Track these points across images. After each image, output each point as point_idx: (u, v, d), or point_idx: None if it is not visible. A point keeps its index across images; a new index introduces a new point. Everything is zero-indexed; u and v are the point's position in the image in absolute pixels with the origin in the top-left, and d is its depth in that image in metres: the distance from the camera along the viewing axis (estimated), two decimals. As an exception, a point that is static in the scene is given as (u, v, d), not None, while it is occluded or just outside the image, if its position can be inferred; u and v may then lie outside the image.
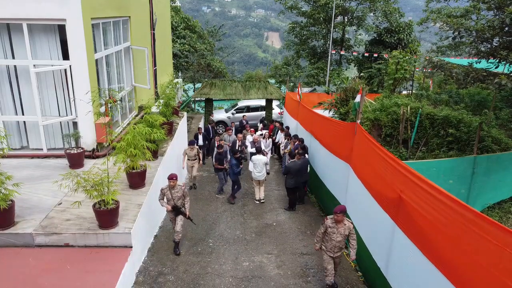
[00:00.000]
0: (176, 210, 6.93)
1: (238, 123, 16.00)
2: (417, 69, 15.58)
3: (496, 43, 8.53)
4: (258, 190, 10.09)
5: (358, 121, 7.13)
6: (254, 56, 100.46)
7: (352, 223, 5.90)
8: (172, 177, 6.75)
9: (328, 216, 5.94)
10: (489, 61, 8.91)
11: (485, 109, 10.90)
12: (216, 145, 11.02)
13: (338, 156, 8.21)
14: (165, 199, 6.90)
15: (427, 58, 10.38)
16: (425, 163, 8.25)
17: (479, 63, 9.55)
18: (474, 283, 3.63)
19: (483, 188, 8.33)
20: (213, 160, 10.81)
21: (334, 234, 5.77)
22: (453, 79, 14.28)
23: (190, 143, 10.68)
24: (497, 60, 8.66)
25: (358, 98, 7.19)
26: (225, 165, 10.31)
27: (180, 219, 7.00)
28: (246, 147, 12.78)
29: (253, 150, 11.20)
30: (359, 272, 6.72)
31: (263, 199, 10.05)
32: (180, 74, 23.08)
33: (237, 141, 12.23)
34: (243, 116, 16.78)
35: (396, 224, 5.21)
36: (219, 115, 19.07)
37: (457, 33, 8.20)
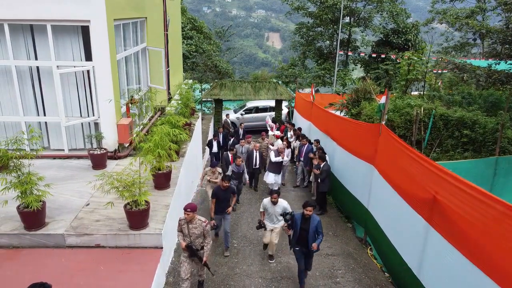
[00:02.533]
0: (191, 251, 5.59)
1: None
2: (428, 70, 15.64)
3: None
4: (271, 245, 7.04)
5: (383, 122, 7.16)
6: (254, 56, 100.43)
7: None
8: (187, 208, 5.36)
9: None
10: (508, 62, 8.95)
11: (499, 110, 10.94)
12: (230, 160, 9.49)
13: (360, 157, 8.23)
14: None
15: (446, 60, 10.40)
16: (447, 164, 8.27)
17: (499, 64, 9.59)
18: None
19: (503, 189, 8.37)
20: (210, 195, 7.39)
21: None
22: (463, 80, 14.37)
23: (212, 165, 8.80)
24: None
25: (383, 100, 7.22)
26: (230, 207, 7.19)
27: (195, 264, 5.70)
28: (262, 163, 11.03)
29: (278, 159, 10.15)
30: (386, 273, 6.74)
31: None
32: (183, 75, 23.09)
33: (254, 151, 10.46)
34: (240, 124, 14.93)
35: (431, 225, 5.23)
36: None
37: (477, 34, 8.23)
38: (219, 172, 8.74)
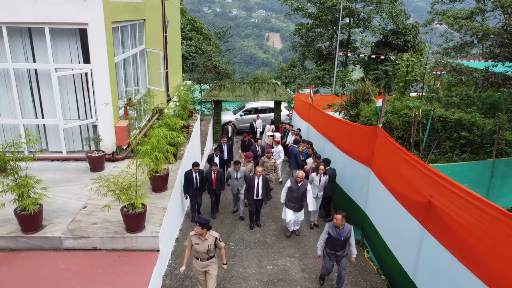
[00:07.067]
0: None
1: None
2: (426, 71, 15.66)
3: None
4: None
5: (380, 125, 7.17)
6: (255, 57, 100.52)
7: None
8: None
9: None
10: (506, 64, 8.95)
11: (497, 112, 10.94)
12: (213, 179, 7.87)
13: (358, 159, 8.24)
14: None
15: (443, 60, 10.41)
16: (445, 166, 8.28)
17: (496, 66, 9.60)
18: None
19: (500, 192, 8.38)
20: None
21: None
22: (461, 82, 14.39)
23: (201, 223, 5.24)
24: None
25: (379, 102, 7.22)
26: None
27: None
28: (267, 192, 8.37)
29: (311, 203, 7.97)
30: (382, 276, 6.75)
31: None
32: (183, 75, 23.11)
33: (256, 177, 8.08)
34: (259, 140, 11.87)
35: (426, 229, 5.24)
36: (226, 116, 18.98)
37: (475, 36, 8.25)
38: (215, 238, 5.36)
